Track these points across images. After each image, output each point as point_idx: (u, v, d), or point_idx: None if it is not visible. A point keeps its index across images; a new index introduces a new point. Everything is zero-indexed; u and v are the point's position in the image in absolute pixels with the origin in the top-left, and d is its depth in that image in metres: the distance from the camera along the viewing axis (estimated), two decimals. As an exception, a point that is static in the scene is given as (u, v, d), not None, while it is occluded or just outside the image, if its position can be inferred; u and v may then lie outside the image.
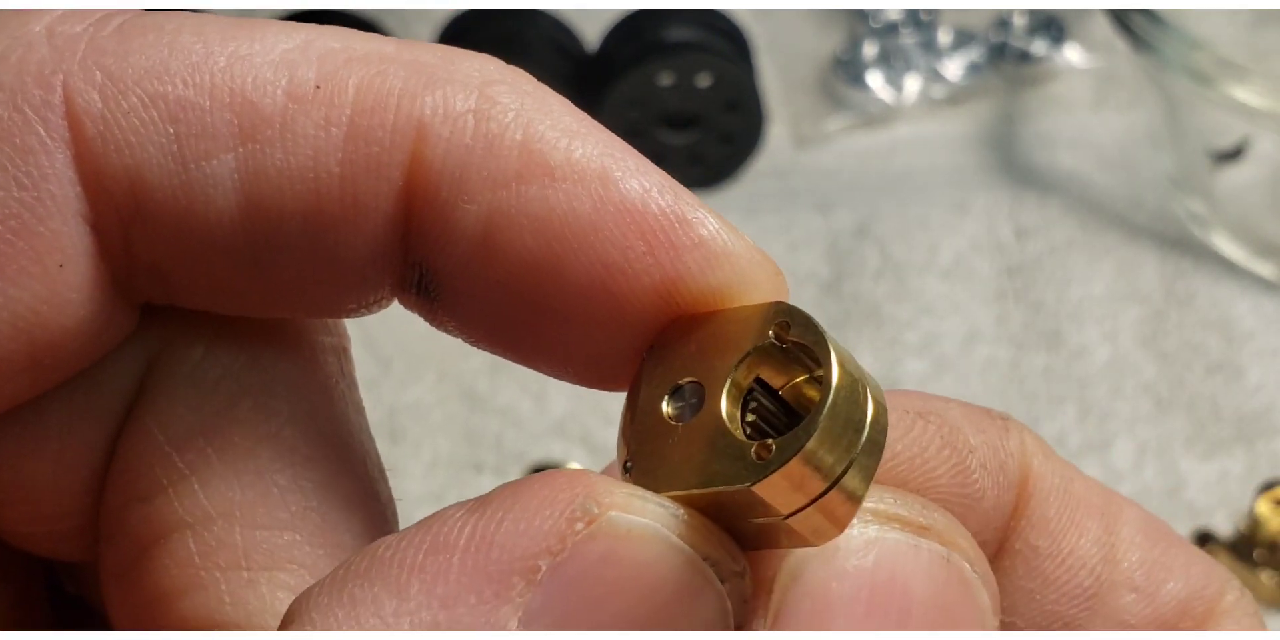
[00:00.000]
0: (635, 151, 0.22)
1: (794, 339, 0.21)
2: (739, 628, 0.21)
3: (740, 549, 0.21)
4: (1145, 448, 0.65)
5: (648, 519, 0.20)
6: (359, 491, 0.24)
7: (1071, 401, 0.67)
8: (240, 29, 0.22)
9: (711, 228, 0.22)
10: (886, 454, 0.22)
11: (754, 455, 0.20)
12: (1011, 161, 0.78)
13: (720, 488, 0.20)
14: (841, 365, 0.21)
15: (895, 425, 0.22)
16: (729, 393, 0.21)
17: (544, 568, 0.19)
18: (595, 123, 0.23)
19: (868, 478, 0.21)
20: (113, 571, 0.24)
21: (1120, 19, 0.68)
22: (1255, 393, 0.67)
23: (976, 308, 0.70)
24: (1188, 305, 0.70)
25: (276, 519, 0.23)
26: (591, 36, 0.77)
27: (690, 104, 0.74)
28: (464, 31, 0.75)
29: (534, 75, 0.24)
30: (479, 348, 0.24)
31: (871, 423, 0.21)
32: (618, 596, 0.20)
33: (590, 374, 0.23)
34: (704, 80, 0.73)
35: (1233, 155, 0.73)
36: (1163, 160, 0.75)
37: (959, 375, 0.68)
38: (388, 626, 0.19)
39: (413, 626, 0.19)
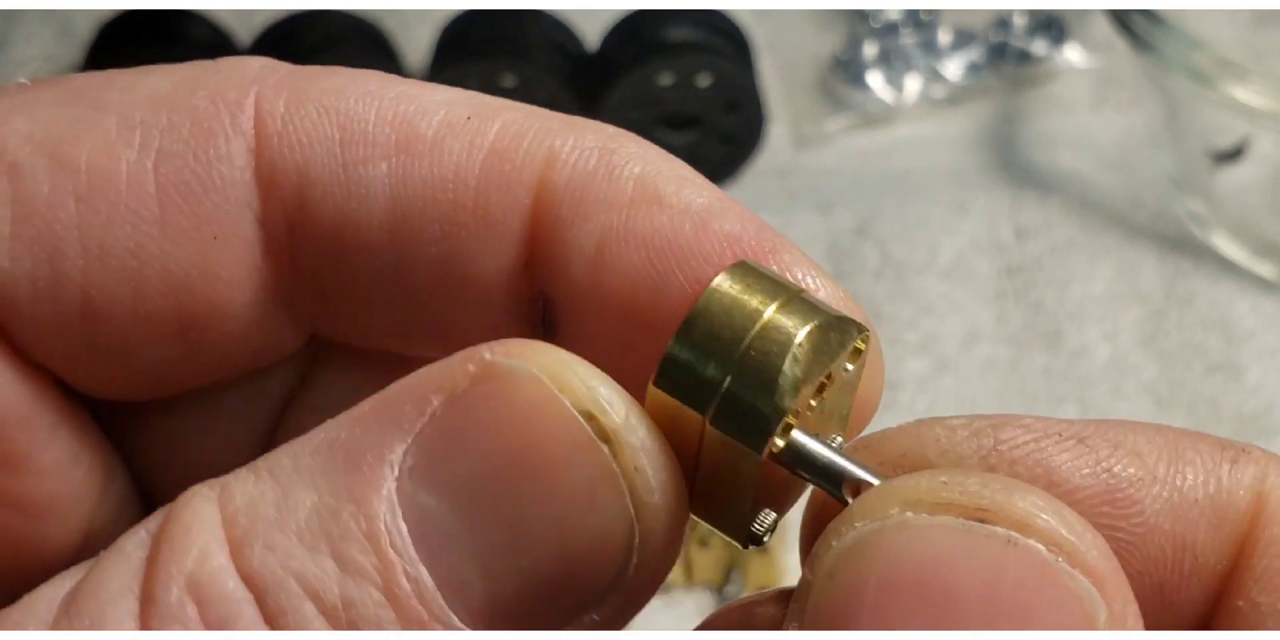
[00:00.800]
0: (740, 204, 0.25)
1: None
2: (635, 503, 0.21)
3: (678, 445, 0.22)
4: (1145, 448, 0.65)
5: (530, 364, 0.21)
6: None
7: (1071, 401, 0.67)
8: (409, 80, 0.26)
9: (801, 259, 0.24)
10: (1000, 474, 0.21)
11: None
12: (1011, 161, 0.78)
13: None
14: (733, 278, 0.22)
15: (1040, 450, 0.22)
16: None
17: (435, 402, 0.21)
18: (706, 179, 0.26)
19: (759, 387, 0.21)
20: None
21: (1120, 19, 0.68)
22: (1255, 393, 0.67)
23: (976, 308, 0.70)
24: (1188, 305, 0.70)
25: None
26: (591, 36, 0.77)
27: (690, 104, 0.74)
28: (464, 31, 0.75)
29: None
30: None
31: (756, 335, 0.21)
32: (495, 432, 0.21)
33: None
34: (704, 80, 0.73)
35: (1233, 155, 0.73)
36: (1163, 160, 0.75)
37: (959, 375, 0.68)
38: (295, 446, 0.22)
39: (319, 443, 0.21)
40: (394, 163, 0.24)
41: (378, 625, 0.20)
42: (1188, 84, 0.67)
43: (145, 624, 0.21)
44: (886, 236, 0.73)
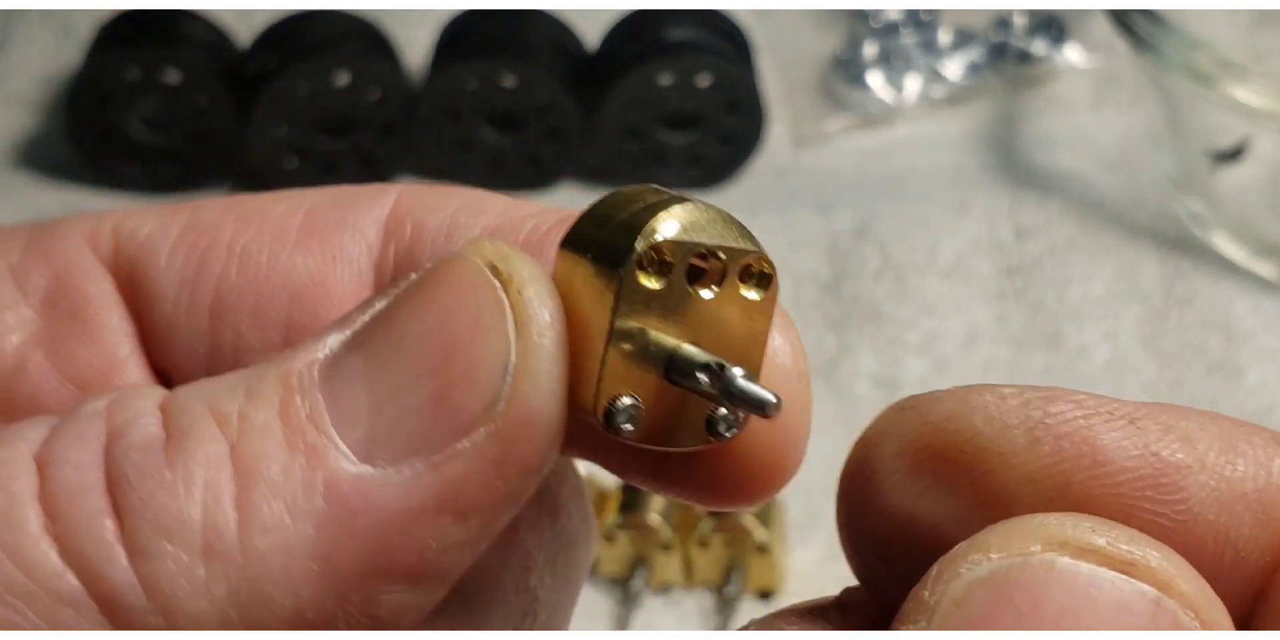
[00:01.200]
0: None
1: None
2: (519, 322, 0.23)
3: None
4: (1145, 448, 0.65)
5: (463, 251, 0.24)
6: None
7: (1071, 401, 0.67)
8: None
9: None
10: (1051, 449, 0.22)
11: None
12: (1011, 161, 0.78)
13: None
14: (631, 189, 0.24)
15: (1088, 427, 0.22)
16: None
17: (380, 304, 0.24)
18: None
19: (638, 223, 0.23)
20: None
21: (1120, 19, 0.68)
22: (1255, 393, 0.67)
23: (976, 308, 0.70)
24: (1188, 305, 0.70)
25: None
26: (591, 36, 0.77)
27: (690, 104, 0.74)
28: (464, 31, 0.75)
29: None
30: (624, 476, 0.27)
31: (649, 202, 0.24)
32: (414, 297, 0.24)
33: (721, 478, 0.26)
34: (704, 80, 0.73)
35: (1233, 155, 0.73)
36: (1163, 160, 0.75)
37: (959, 375, 0.68)
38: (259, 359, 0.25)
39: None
40: (491, 221, 0.28)
41: (264, 434, 0.23)
42: (1188, 84, 0.67)
43: (53, 431, 0.23)
44: (886, 236, 0.73)
